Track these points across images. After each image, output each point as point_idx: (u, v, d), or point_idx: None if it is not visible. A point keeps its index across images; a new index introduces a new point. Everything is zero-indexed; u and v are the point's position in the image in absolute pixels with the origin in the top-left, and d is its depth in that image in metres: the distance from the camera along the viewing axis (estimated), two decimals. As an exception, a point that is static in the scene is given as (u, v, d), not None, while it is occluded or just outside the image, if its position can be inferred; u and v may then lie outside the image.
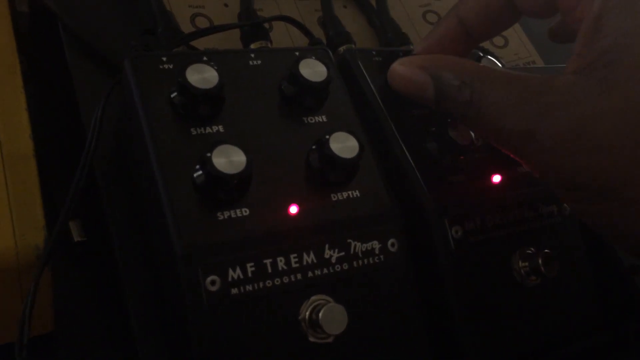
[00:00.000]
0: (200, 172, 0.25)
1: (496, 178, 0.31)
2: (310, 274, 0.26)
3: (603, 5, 0.24)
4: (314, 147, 0.27)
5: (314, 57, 0.29)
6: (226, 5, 0.40)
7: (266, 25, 0.36)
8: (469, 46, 0.31)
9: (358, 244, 0.27)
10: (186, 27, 0.36)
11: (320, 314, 0.24)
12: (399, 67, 0.29)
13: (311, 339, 0.25)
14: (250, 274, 0.24)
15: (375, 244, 0.27)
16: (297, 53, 0.30)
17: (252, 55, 0.29)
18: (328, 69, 0.28)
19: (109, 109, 0.29)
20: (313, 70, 0.28)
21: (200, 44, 0.35)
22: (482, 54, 0.34)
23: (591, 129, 0.23)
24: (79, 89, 0.32)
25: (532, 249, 0.30)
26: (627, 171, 0.23)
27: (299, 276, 0.25)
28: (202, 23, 0.38)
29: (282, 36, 0.40)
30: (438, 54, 0.30)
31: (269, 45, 0.34)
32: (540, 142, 0.24)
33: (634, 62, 0.23)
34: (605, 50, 0.23)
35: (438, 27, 0.31)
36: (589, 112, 0.23)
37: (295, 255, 0.26)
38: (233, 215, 0.25)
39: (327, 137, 0.26)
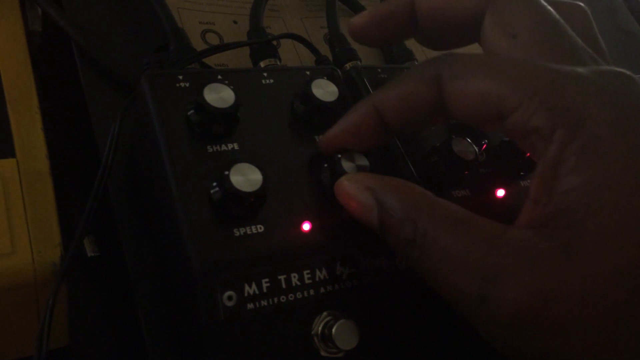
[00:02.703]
0: (217, 189, 0.25)
1: (500, 193, 0.32)
2: (322, 289, 0.26)
3: (560, 150, 0.21)
4: (325, 165, 0.28)
5: (325, 78, 0.29)
6: (235, 22, 0.41)
7: (274, 42, 0.36)
8: (385, 137, 0.27)
9: (367, 261, 0.27)
10: (197, 43, 0.37)
11: (333, 330, 0.25)
12: (345, 183, 0.25)
13: (323, 354, 0.25)
14: (265, 290, 0.25)
15: (384, 261, 0.28)
16: (307, 72, 0.31)
17: (265, 74, 0.30)
18: (339, 89, 0.29)
19: (122, 126, 0.30)
20: (325, 90, 0.29)
21: (211, 60, 0.36)
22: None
23: (551, 306, 0.19)
24: (91, 107, 0.32)
25: None
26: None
27: (311, 292, 0.26)
28: (212, 39, 0.39)
29: (289, 52, 0.41)
30: (384, 176, 0.25)
31: (278, 62, 0.35)
32: (495, 313, 0.20)
33: (600, 229, 0.20)
34: (567, 207, 0.20)
35: (353, 113, 0.27)
36: (548, 284, 0.20)
37: (308, 271, 0.26)
38: (249, 232, 0.25)
39: (339, 156, 0.27)
